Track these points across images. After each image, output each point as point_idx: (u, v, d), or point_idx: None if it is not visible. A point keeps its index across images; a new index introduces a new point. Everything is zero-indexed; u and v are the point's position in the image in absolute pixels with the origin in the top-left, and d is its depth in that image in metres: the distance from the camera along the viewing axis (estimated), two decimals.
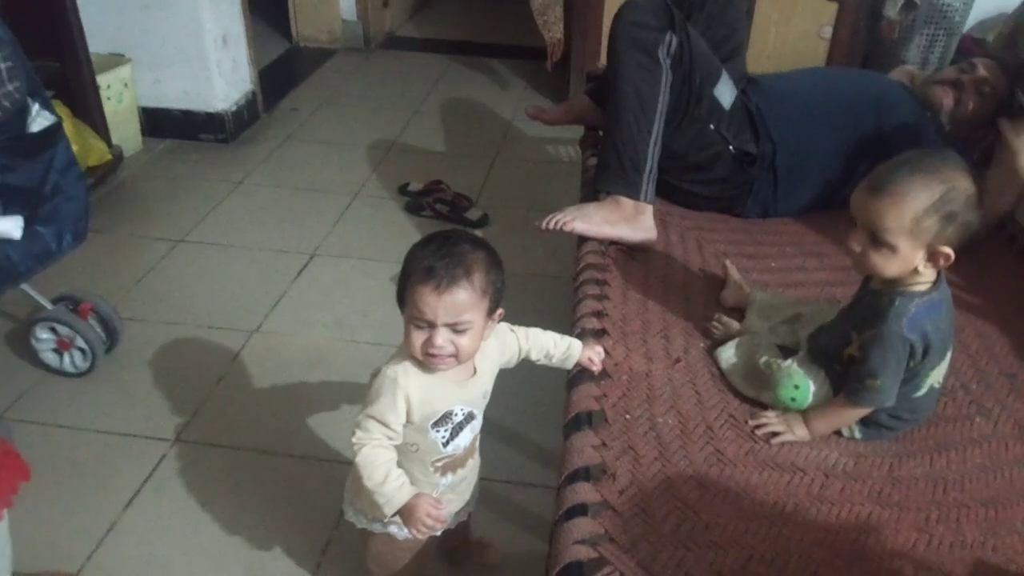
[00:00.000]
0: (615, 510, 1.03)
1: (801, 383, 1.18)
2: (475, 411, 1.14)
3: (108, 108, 2.74)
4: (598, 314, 1.41)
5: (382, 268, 2.34)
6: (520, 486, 1.65)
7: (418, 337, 1.02)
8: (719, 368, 1.32)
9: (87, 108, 2.60)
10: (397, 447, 1.08)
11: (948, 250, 1.06)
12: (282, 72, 3.82)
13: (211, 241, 2.48)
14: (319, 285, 2.29)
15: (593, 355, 1.26)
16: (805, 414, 1.19)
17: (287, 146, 3.13)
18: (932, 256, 1.07)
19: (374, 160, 3.04)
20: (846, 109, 1.83)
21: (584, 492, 1.05)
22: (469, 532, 1.44)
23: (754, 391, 1.24)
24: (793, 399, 1.18)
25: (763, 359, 1.23)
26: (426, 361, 1.03)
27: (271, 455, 1.71)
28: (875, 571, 0.97)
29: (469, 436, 1.15)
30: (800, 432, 1.18)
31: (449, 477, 1.16)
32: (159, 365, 1.96)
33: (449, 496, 1.19)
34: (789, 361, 1.20)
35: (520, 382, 1.83)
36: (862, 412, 1.16)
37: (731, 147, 1.77)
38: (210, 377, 1.92)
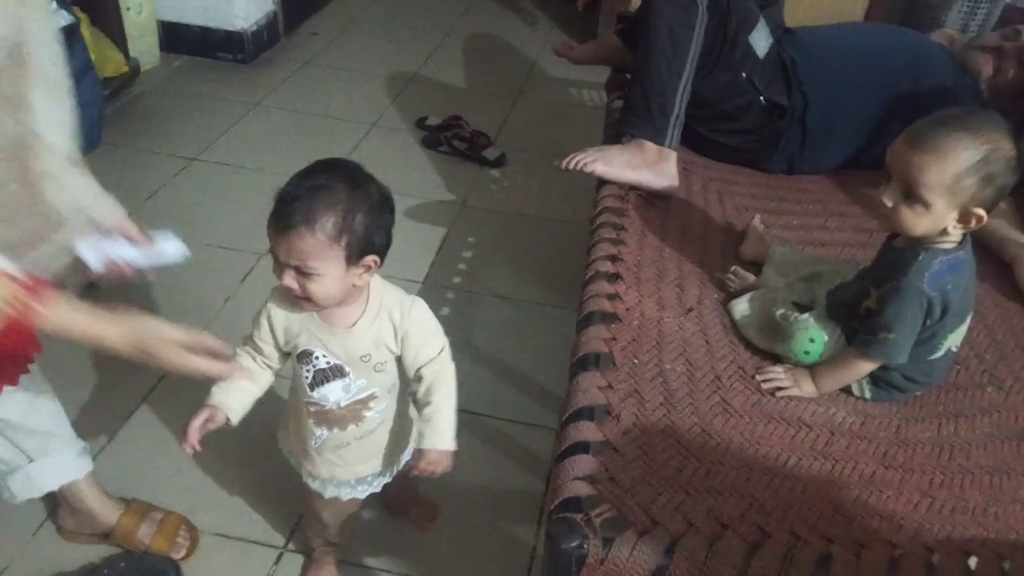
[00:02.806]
0: (617, 450, 1.03)
1: (816, 336, 1.16)
2: (347, 368, 1.04)
3: (127, 19, 2.69)
4: (613, 258, 1.39)
5: (396, 201, 2.28)
6: (521, 425, 1.65)
7: (274, 269, 0.97)
8: (732, 320, 1.30)
9: (105, 17, 2.55)
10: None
11: (981, 211, 1.04)
12: None
13: (224, 161, 2.45)
14: None
15: (426, 466, 1.06)
16: (813, 368, 1.17)
17: (306, 71, 3.07)
18: (964, 216, 1.05)
19: (393, 91, 2.99)
20: (883, 67, 1.77)
21: (587, 431, 1.04)
22: (415, 489, 1.42)
23: (767, 343, 1.23)
24: (807, 352, 1.16)
25: (780, 311, 1.21)
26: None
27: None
28: (875, 529, 0.96)
29: (340, 393, 1.06)
30: (807, 388, 1.16)
31: (323, 431, 1.10)
32: (166, 282, 1.94)
33: (329, 457, 1.13)
34: (806, 315, 1.19)
35: (527, 324, 1.84)
36: (871, 366, 1.14)
37: (762, 98, 1.72)
38: (218, 296, 1.91)
